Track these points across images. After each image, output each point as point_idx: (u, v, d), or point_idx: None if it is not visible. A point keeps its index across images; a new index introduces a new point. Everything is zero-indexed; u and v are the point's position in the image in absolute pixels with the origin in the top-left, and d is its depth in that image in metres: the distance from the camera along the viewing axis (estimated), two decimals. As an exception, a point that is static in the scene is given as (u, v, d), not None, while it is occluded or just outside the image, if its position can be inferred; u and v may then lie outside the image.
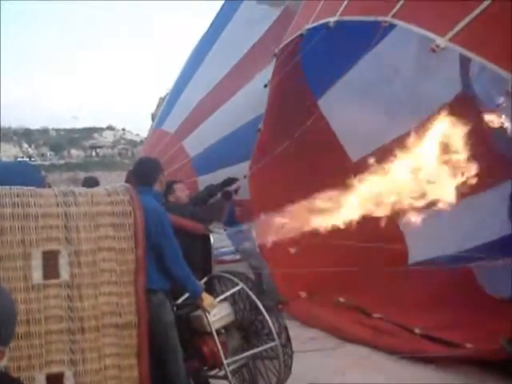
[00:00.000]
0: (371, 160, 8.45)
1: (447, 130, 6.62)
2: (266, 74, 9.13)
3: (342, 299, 8.23)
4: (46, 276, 3.92)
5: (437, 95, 7.59)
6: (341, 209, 6.29)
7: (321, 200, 6.77)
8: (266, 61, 9.72)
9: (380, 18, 6.44)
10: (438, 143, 6.43)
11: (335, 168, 8.59)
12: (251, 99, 10.42)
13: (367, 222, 7.56)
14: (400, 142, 7.90)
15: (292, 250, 8.54)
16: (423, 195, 6.71)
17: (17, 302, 3.81)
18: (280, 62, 8.33)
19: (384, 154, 8.16)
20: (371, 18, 6.69)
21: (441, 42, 5.72)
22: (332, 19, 7.04)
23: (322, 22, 7.29)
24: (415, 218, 7.95)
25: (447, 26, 5.75)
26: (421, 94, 7.73)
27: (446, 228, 7.55)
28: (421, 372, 6.08)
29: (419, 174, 6.55)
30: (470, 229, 7.54)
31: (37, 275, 3.89)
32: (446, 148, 6.19)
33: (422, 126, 7.70)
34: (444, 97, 7.60)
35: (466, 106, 7.09)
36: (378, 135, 8.45)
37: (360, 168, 8.59)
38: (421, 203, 6.90)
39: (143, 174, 4.89)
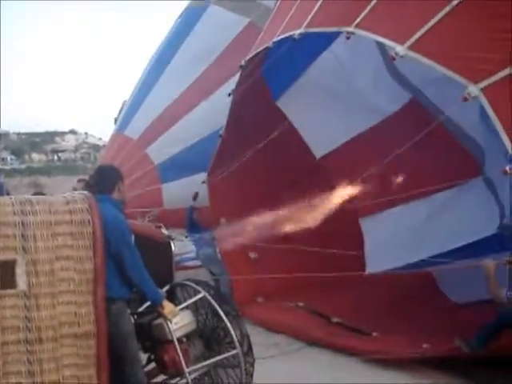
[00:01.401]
0: (333, 157, 8.61)
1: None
2: (232, 84, 9.16)
3: (300, 303, 8.27)
4: (2, 286, 3.85)
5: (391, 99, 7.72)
6: (302, 214, 6.33)
7: (282, 205, 6.83)
8: (231, 71, 9.78)
9: (343, 29, 6.56)
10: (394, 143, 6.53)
11: (298, 166, 8.68)
12: (217, 109, 10.45)
13: (329, 226, 7.67)
14: (360, 141, 8.04)
15: (252, 255, 8.59)
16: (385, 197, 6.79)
17: (-28, 312, 3.76)
18: (245, 73, 8.39)
19: (346, 151, 8.28)
20: (334, 29, 6.83)
21: (400, 50, 5.84)
22: (297, 31, 7.17)
23: (287, 34, 7.40)
24: (376, 223, 8.07)
25: (406, 35, 5.86)
26: (373, 97, 7.84)
27: (407, 234, 7.64)
28: (384, 372, 6.14)
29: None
30: (434, 235, 7.62)
31: (-8, 285, 3.82)
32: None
33: (380, 124, 7.84)
34: (394, 103, 7.73)
35: (416, 113, 7.21)
36: (339, 133, 8.53)
37: (323, 165, 8.74)
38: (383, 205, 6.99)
39: (102, 181, 4.84)
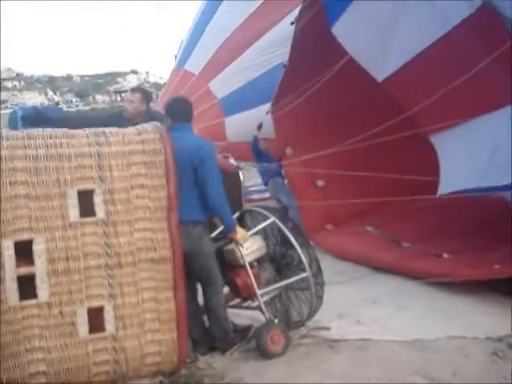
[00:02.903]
0: (399, 77, 8.36)
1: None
2: (294, 15, 8.97)
3: (369, 228, 8.26)
4: (82, 214, 4.04)
5: (457, 7, 7.34)
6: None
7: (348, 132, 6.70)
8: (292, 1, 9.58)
9: None
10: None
11: (362, 91, 8.50)
12: (280, 41, 10.34)
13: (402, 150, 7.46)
14: (426, 57, 7.74)
15: (319, 183, 8.59)
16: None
17: (55, 239, 3.97)
18: (308, 1, 8.19)
19: (409, 70, 8.01)
20: None
21: None
22: None
23: None
24: (450, 140, 7.72)
25: None
26: (439, 7, 7.48)
27: (485, 151, 7.35)
28: (452, 298, 6.13)
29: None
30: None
31: (73, 213, 4.02)
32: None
33: (445, 39, 7.51)
34: (465, 9, 7.35)
35: (490, 18, 6.83)
36: (401, 51, 8.26)
37: (387, 87, 8.52)
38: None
39: (181, 111, 5.02)
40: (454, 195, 7.07)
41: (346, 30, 8.45)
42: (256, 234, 5.06)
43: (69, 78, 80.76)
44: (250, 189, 10.75)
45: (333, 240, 8.16)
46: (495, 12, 6.32)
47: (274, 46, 11.17)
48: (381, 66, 8.38)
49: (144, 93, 6.46)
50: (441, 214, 7.66)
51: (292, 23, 8.70)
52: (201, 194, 4.68)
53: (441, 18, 7.21)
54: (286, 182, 8.97)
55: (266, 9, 12.25)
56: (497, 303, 5.90)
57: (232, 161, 5.84)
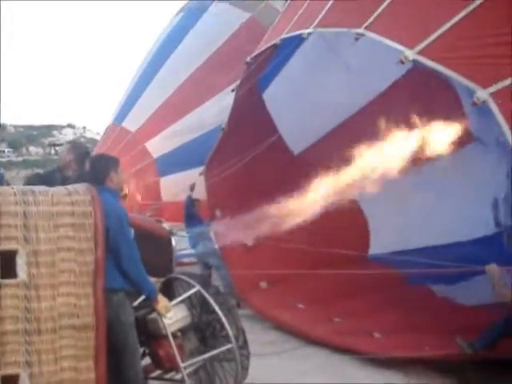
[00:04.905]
0: (313, 152, 8.56)
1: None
2: (236, 83, 9.18)
3: (301, 305, 8.22)
4: (3, 275, 3.85)
5: (384, 74, 7.57)
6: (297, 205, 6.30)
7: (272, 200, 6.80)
8: (233, 69, 9.83)
9: (353, 30, 6.54)
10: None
11: (278, 163, 8.70)
12: (220, 107, 10.55)
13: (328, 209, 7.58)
14: (345, 128, 7.94)
15: (249, 243, 8.61)
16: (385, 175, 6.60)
17: (-28, 301, 3.76)
18: (250, 70, 8.39)
19: (325, 144, 8.21)
20: (344, 30, 6.79)
21: (409, 54, 5.84)
22: (306, 31, 7.15)
23: (296, 33, 7.39)
24: (380, 204, 7.83)
25: (417, 39, 5.87)
26: (362, 77, 7.71)
27: (415, 218, 7.45)
28: (377, 373, 6.16)
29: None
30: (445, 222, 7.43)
31: (-7, 275, 3.83)
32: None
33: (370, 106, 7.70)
34: (393, 75, 7.58)
35: (419, 80, 7.03)
36: (318, 126, 8.49)
37: (302, 161, 8.73)
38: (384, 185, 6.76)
39: (94, 172, 4.88)
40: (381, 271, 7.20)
41: (274, 97, 8.70)
42: (181, 302, 4.94)
43: (2, 127, 79.04)
44: (182, 252, 10.65)
45: (265, 308, 8.10)
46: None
47: (214, 112, 11.38)
48: (298, 138, 8.63)
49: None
50: (371, 288, 7.73)
51: (233, 90, 8.89)
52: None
53: (365, 87, 7.47)
54: (214, 244, 8.97)
55: (209, 73, 12.54)
56: (424, 377, 5.97)
57: (165, 225, 5.75)
